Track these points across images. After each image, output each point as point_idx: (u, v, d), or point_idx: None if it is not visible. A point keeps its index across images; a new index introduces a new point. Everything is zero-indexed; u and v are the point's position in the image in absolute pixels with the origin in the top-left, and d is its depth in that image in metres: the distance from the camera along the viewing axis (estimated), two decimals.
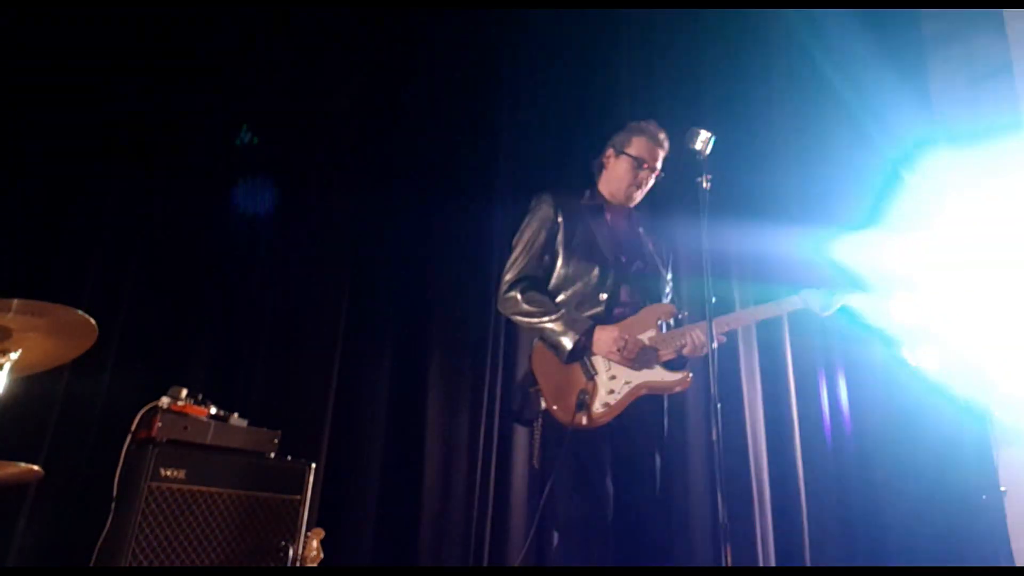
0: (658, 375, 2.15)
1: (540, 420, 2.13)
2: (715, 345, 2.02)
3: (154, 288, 3.06)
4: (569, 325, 2.14)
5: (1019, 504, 3.25)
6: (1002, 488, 3.12)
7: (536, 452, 2.13)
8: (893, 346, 3.79)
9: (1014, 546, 2.99)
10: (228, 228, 3.35)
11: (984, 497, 3.06)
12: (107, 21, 3.06)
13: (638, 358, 2.13)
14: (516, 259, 2.33)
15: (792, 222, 4.06)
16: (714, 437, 1.74)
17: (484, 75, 4.12)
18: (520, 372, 3.67)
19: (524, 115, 4.16)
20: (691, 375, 2.18)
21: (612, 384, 2.12)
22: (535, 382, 2.16)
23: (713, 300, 1.96)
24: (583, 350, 2.14)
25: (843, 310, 2.34)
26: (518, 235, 2.38)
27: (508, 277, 2.31)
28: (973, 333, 3.71)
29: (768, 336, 4.07)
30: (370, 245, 3.63)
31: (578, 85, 4.29)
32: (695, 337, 2.17)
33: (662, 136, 2.42)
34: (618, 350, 2.11)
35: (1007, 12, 4.08)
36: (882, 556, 3.67)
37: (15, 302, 1.78)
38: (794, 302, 2.33)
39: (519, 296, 2.25)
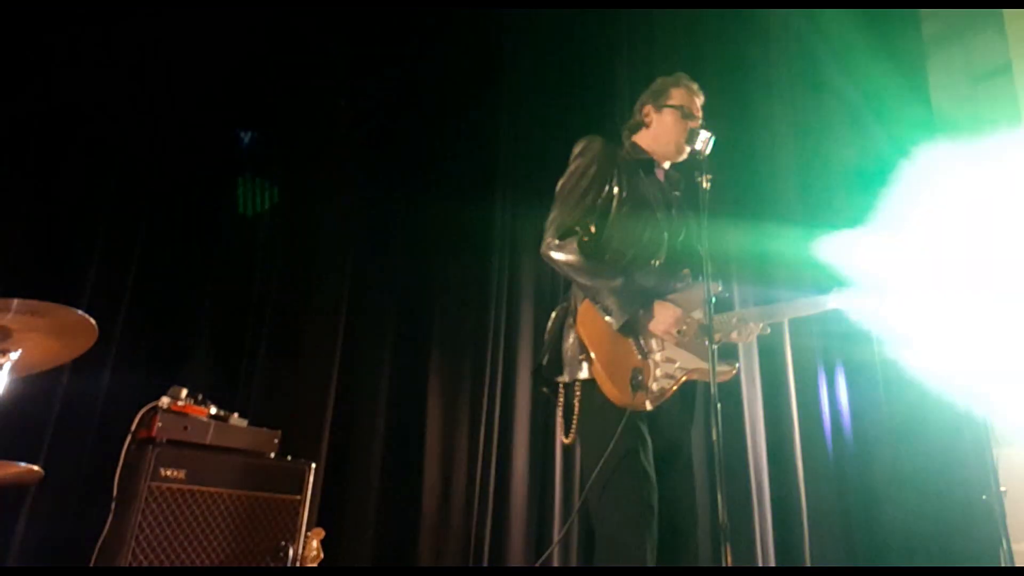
0: (708, 363, 1.95)
1: (578, 390, 1.97)
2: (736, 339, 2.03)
3: (154, 288, 3.06)
4: (628, 294, 1.96)
5: (1019, 504, 3.24)
6: (1002, 488, 3.12)
7: (573, 425, 1.96)
8: (893, 346, 3.79)
9: (1014, 546, 2.98)
10: (228, 228, 3.35)
11: (984, 497, 3.05)
12: (106, 21, 3.06)
13: (694, 341, 1.99)
14: (567, 204, 2.10)
15: (792, 222, 4.06)
16: (714, 437, 1.72)
17: (484, 74, 4.12)
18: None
19: (524, 114, 4.16)
20: (738, 365, 2.06)
21: (668, 367, 1.96)
22: (585, 350, 1.96)
23: (714, 300, 1.93)
24: (637, 323, 1.97)
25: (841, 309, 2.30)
26: (566, 178, 2.17)
27: (561, 222, 2.08)
28: (973, 333, 3.71)
29: (768, 336, 4.05)
30: (370, 244, 3.63)
31: (578, 84, 4.29)
32: (767, 315, 2.09)
33: (696, 86, 2.35)
34: (678, 332, 1.95)
35: (1007, 12, 4.07)
36: (882, 556, 3.67)
37: (15, 302, 1.78)
38: (834, 299, 2.21)
39: (576, 245, 2.03)
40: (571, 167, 2.19)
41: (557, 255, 2.05)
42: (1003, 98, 4.03)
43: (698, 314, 2.04)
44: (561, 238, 2.06)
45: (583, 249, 2.03)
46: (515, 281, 3.88)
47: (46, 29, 2.93)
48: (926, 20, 4.47)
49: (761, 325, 2.13)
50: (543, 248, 2.09)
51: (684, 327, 1.97)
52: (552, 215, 2.12)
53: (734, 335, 2.10)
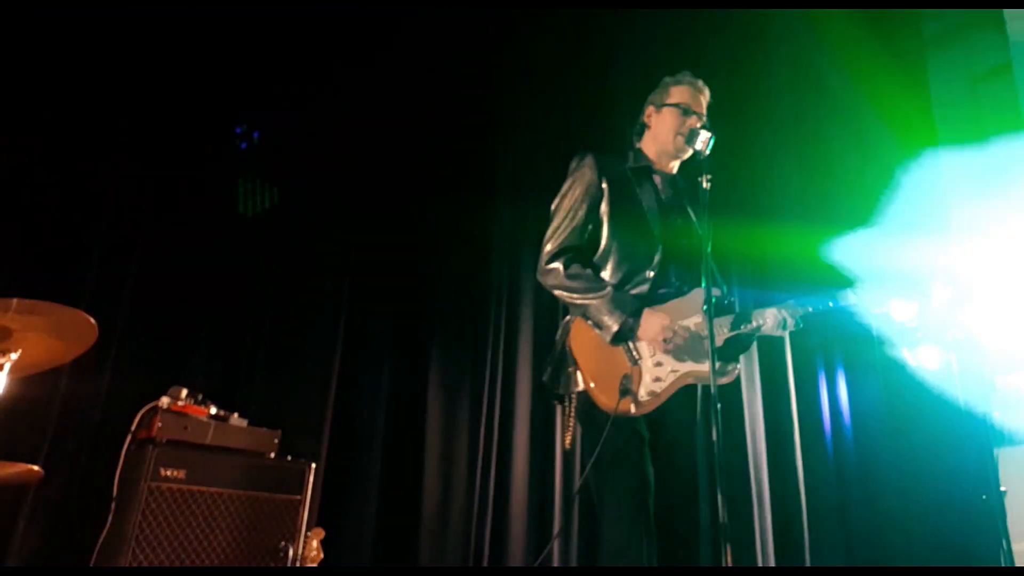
0: (705, 365, 1.99)
1: (573, 399, 2.05)
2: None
3: (154, 288, 3.06)
4: (616, 305, 2.03)
5: (1019, 504, 3.25)
6: (1002, 488, 3.12)
7: (570, 431, 2.05)
8: (893, 346, 3.79)
9: (1014, 546, 2.99)
10: (228, 228, 3.35)
11: (984, 497, 3.06)
12: (105, 20, 3.06)
13: (684, 346, 2.03)
14: (558, 228, 2.18)
15: (791, 222, 4.06)
16: (714, 437, 1.72)
17: (484, 74, 4.12)
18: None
19: (524, 114, 4.17)
20: (738, 367, 2.11)
21: (658, 371, 2.02)
22: (574, 362, 2.05)
23: (713, 300, 1.94)
24: (629, 332, 2.03)
25: (845, 309, 2.30)
26: (558, 200, 2.24)
27: (549, 248, 2.17)
28: (973, 333, 3.71)
29: (767, 335, 4.07)
30: (370, 245, 3.63)
31: (578, 84, 4.29)
32: (771, 317, 2.12)
33: (700, 83, 2.35)
34: (664, 340, 2.00)
35: (1007, 12, 4.07)
36: (882, 556, 3.67)
37: (15, 302, 1.78)
38: (849, 296, 2.21)
39: (562, 269, 2.11)
40: (563, 187, 2.25)
41: (546, 281, 2.16)
42: (1003, 98, 4.03)
43: (691, 320, 2.08)
44: (548, 263, 2.15)
45: (571, 272, 2.11)
46: (515, 281, 3.88)
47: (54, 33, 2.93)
48: (926, 20, 4.47)
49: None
50: (537, 276, 2.20)
51: (672, 333, 2.02)
52: (544, 238, 2.21)
53: (764, 329, 2.13)
